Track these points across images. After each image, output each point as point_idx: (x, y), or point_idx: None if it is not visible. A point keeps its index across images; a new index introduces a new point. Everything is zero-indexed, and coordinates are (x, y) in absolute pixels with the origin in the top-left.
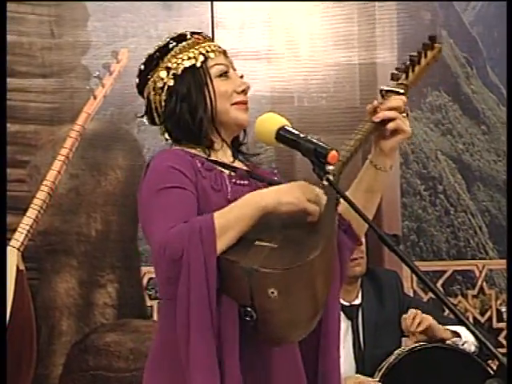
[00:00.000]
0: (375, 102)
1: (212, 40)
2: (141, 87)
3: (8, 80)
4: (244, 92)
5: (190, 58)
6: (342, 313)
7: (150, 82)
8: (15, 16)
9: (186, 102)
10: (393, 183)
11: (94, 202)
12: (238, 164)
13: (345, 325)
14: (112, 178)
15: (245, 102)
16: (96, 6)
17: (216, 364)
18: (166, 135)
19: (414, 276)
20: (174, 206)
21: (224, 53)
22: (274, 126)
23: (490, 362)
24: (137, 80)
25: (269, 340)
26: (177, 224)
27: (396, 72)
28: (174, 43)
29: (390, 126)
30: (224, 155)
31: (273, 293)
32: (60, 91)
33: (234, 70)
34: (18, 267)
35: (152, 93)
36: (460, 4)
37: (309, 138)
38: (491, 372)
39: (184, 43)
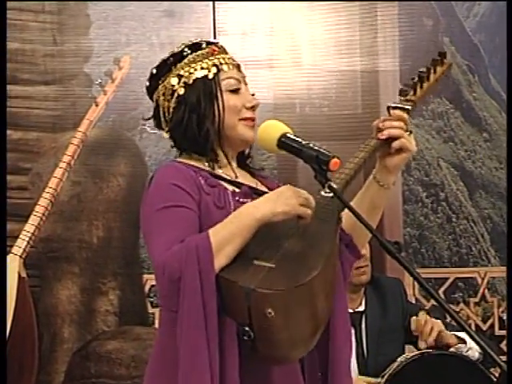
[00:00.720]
0: (381, 119)
1: (226, 52)
2: (151, 90)
3: (10, 87)
4: (253, 108)
5: (202, 69)
6: None
7: (160, 87)
8: (18, 23)
9: (194, 112)
10: (395, 190)
11: (95, 209)
12: (243, 178)
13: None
14: (114, 185)
15: (253, 119)
16: (98, 14)
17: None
18: (172, 143)
19: (416, 283)
20: (173, 226)
21: (238, 67)
22: (276, 133)
23: (492, 369)
24: (147, 83)
25: (268, 359)
26: (175, 244)
27: (404, 88)
28: (189, 51)
29: (395, 144)
30: (229, 170)
31: (270, 313)
32: (62, 98)
33: (246, 84)
34: (19, 274)
35: (161, 98)
36: (462, 11)
37: (311, 145)
38: (494, 379)
39: (199, 52)
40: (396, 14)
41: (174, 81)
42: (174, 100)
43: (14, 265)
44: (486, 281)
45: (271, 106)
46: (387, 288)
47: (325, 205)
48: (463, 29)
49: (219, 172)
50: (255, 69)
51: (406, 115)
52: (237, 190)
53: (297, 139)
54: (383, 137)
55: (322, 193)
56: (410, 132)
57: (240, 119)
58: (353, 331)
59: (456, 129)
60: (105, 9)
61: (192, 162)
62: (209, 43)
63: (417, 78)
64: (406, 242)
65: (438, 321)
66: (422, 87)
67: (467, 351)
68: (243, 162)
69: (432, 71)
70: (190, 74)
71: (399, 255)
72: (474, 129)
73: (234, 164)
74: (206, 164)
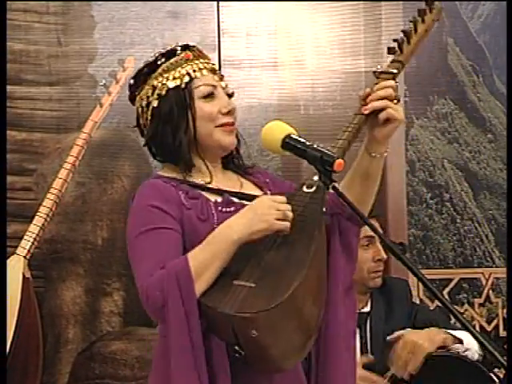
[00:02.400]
0: (367, 89)
1: (202, 55)
2: (132, 101)
3: (15, 88)
4: (229, 113)
5: (174, 78)
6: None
7: (138, 98)
8: (22, 24)
9: (167, 123)
10: (399, 191)
11: (100, 210)
12: (227, 183)
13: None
14: (118, 186)
15: (230, 124)
16: (103, 15)
17: None
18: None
19: (420, 284)
20: (154, 250)
21: (213, 70)
22: (280, 134)
23: (496, 370)
24: (128, 93)
25: (262, 371)
26: (156, 269)
27: (392, 46)
28: (163, 59)
29: (382, 115)
30: (207, 177)
31: (254, 334)
32: (66, 99)
33: (223, 87)
34: (24, 275)
35: (139, 109)
36: (466, 12)
37: (315, 146)
38: (497, 381)
39: (172, 60)
40: (400, 15)
41: (148, 92)
42: (149, 112)
43: (18, 265)
44: (490, 282)
45: (275, 107)
46: (394, 289)
47: (306, 203)
48: (467, 29)
49: (198, 181)
50: (259, 69)
51: (392, 82)
52: (219, 199)
53: (301, 140)
54: (367, 111)
55: (304, 189)
56: (398, 100)
57: (216, 126)
58: (357, 332)
59: (460, 130)
60: (109, 10)
61: (174, 175)
62: (184, 48)
63: (402, 34)
64: (410, 242)
65: (418, 341)
66: (409, 43)
67: (465, 352)
68: (230, 164)
69: (420, 21)
70: (163, 84)
71: (404, 256)
72: (478, 130)
73: (217, 170)
74: (181, 174)
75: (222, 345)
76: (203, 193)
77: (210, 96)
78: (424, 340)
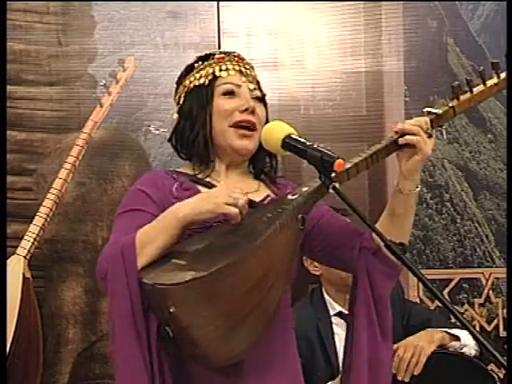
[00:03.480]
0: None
1: (238, 59)
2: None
3: (15, 88)
4: (247, 111)
5: (201, 77)
6: (342, 321)
7: (175, 99)
8: (23, 24)
9: (188, 119)
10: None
11: (100, 210)
12: (246, 185)
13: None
14: (118, 186)
15: (248, 122)
16: (103, 15)
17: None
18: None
19: (420, 284)
20: (123, 229)
21: (242, 72)
22: (280, 134)
23: (493, 367)
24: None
25: (193, 358)
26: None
27: (455, 85)
28: (200, 62)
29: (407, 138)
30: (222, 178)
31: (173, 309)
32: (67, 99)
33: (251, 90)
34: (24, 275)
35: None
36: (466, 12)
37: (315, 146)
38: (494, 376)
39: (206, 62)
40: (401, 15)
41: (180, 91)
42: (177, 109)
43: (18, 266)
44: (490, 282)
45: (275, 107)
46: None
47: (282, 208)
48: (468, 30)
49: (208, 179)
50: (259, 70)
51: (427, 118)
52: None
53: (301, 140)
54: (397, 130)
55: (289, 196)
56: (430, 136)
57: (231, 125)
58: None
59: (460, 130)
60: (109, 10)
61: (186, 171)
62: (224, 53)
63: (466, 83)
64: (410, 243)
65: (420, 343)
66: (471, 92)
67: (462, 348)
68: (258, 173)
69: (495, 77)
70: (191, 83)
71: (404, 256)
72: (478, 130)
73: (235, 172)
74: (197, 171)
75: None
76: (199, 186)
77: (230, 93)
78: (424, 341)
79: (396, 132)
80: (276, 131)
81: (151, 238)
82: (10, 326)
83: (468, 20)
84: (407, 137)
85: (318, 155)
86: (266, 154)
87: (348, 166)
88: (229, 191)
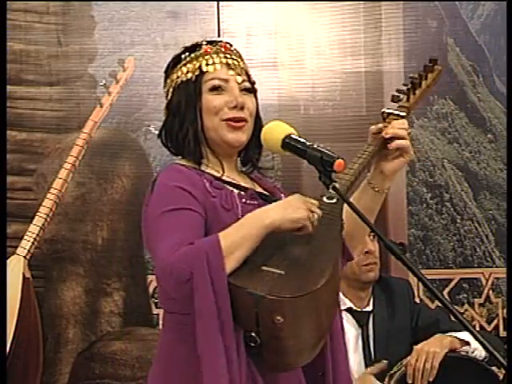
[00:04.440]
0: (379, 125)
1: (226, 50)
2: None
3: (15, 88)
4: (236, 108)
5: (187, 72)
6: (352, 319)
7: (164, 91)
8: (23, 24)
9: (176, 116)
10: (399, 191)
11: (100, 210)
12: (240, 178)
13: (355, 332)
14: (118, 186)
15: (238, 119)
16: (103, 15)
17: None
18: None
19: (420, 284)
20: (180, 228)
21: (230, 65)
22: (280, 134)
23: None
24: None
25: (273, 366)
26: (182, 246)
27: (397, 94)
28: (187, 53)
29: (397, 142)
30: (224, 171)
31: (279, 320)
32: (67, 99)
33: (239, 83)
34: (24, 275)
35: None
36: (466, 12)
37: (315, 146)
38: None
39: (193, 54)
40: (400, 15)
41: (168, 86)
42: (165, 104)
43: (18, 266)
44: (490, 282)
45: (275, 107)
46: (395, 289)
47: (329, 211)
48: (468, 30)
49: (215, 173)
50: (259, 70)
51: (406, 123)
52: (242, 192)
53: (301, 140)
54: (388, 135)
55: (325, 199)
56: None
57: (223, 120)
58: (360, 332)
59: (460, 130)
60: (109, 10)
61: (191, 164)
62: (209, 42)
63: (410, 85)
64: (410, 243)
65: (434, 347)
66: (414, 93)
67: (473, 352)
68: (248, 164)
69: (424, 77)
70: (178, 78)
71: (404, 256)
72: (478, 130)
73: (232, 167)
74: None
75: (239, 334)
76: (226, 185)
77: (217, 89)
78: (435, 347)
79: (386, 134)
80: (276, 131)
81: (238, 243)
82: (10, 326)
83: (468, 20)
84: (398, 141)
85: (318, 155)
86: (256, 146)
87: (345, 184)
88: (306, 201)
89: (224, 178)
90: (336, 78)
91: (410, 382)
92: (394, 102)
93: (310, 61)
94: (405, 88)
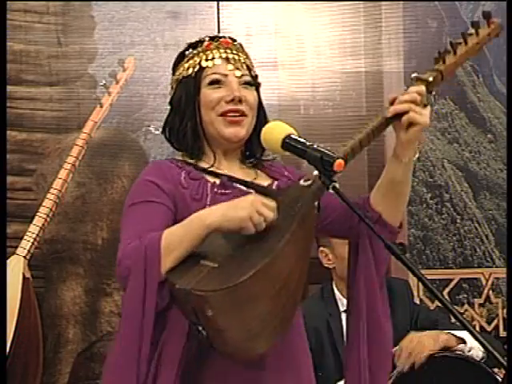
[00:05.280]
0: (395, 94)
1: (227, 45)
2: None
3: (15, 88)
4: (233, 101)
5: (189, 68)
6: None
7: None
8: (22, 25)
9: (177, 112)
10: None
11: (100, 210)
12: (242, 171)
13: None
14: (118, 186)
15: (235, 111)
16: (103, 15)
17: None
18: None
19: (420, 284)
20: (139, 221)
21: (229, 60)
22: (280, 134)
23: (496, 370)
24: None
25: (227, 355)
26: (136, 239)
27: (437, 56)
28: (190, 49)
29: (404, 119)
30: (215, 162)
31: (210, 313)
32: (67, 99)
33: (238, 77)
34: (24, 275)
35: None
36: (466, 13)
37: (315, 146)
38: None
39: (195, 50)
40: (400, 15)
41: (172, 81)
42: (169, 101)
43: (18, 266)
44: (490, 282)
45: (275, 108)
46: (395, 289)
47: (297, 196)
48: (468, 30)
49: (212, 169)
50: (259, 70)
51: (420, 87)
52: (217, 182)
53: (301, 140)
54: (389, 114)
55: (301, 182)
56: (426, 105)
57: (219, 114)
58: None
59: (460, 130)
60: (109, 10)
61: (186, 159)
62: (212, 38)
63: (449, 45)
64: (410, 243)
65: (422, 341)
66: (455, 53)
67: (469, 351)
68: (250, 159)
69: (475, 34)
70: (180, 74)
71: (404, 256)
72: (478, 130)
73: (233, 162)
74: (193, 160)
75: (181, 324)
76: (207, 176)
77: (215, 83)
78: (428, 337)
79: (388, 113)
80: (276, 131)
81: (176, 242)
82: (10, 326)
83: (468, 20)
84: (403, 118)
85: (318, 155)
86: (259, 140)
87: (345, 149)
88: (256, 203)
89: (213, 169)
90: (336, 78)
91: (397, 362)
92: (434, 64)
93: (309, 61)
94: (445, 49)
